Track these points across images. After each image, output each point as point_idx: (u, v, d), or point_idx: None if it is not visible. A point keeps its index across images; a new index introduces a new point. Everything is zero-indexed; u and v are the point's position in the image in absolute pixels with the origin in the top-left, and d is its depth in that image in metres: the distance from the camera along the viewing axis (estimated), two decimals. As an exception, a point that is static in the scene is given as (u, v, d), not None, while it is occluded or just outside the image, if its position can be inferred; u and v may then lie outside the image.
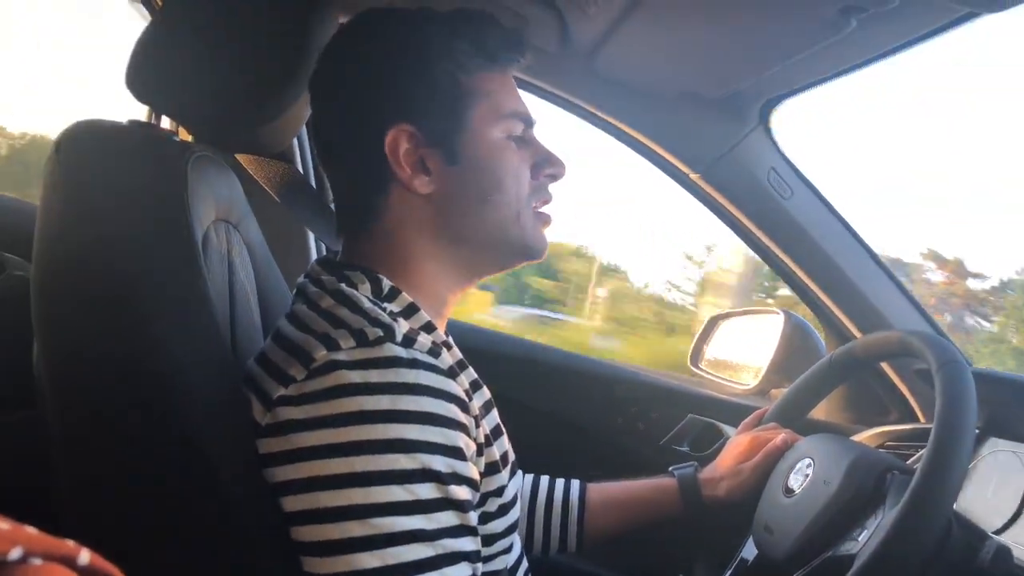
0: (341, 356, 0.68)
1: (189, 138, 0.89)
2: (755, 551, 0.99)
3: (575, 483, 1.09)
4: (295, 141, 1.46)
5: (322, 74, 0.81)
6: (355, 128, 0.78)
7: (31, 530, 0.28)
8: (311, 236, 1.50)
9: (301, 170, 1.48)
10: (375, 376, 0.67)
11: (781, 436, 1.06)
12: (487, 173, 0.80)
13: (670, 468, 1.11)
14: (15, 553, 0.27)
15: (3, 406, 1.06)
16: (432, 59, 0.77)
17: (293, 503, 0.67)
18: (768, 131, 1.32)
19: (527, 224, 0.82)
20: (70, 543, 0.29)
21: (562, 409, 1.52)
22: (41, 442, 0.73)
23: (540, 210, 0.85)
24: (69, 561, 0.29)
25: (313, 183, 1.51)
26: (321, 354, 0.68)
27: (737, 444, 1.10)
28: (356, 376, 0.67)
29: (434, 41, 0.78)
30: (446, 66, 0.78)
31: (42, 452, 0.73)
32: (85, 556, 0.30)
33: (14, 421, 1.05)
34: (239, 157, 1.02)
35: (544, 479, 1.10)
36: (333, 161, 0.83)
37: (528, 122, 0.83)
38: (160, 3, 1.31)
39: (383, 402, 0.66)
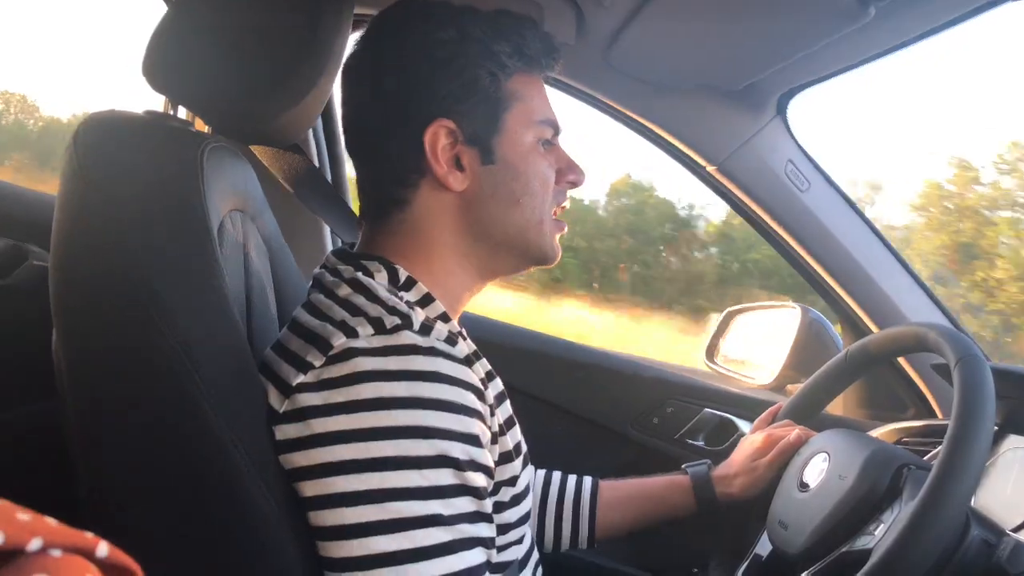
0: (359, 343, 0.69)
1: (205, 128, 0.89)
2: (770, 546, 0.98)
3: (587, 480, 1.09)
4: (310, 133, 1.47)
5: (362, 61, 0.81)
6: (395, 119, 0.79)
7: (50, 521, 0.29)
8: (326, 227, 1.50)
9: (316, 162, 1.48)
10: (393, 363, 0.68)
11: (795, 432, 1.06)
12: (519, 176, 0.81)
13: (683, 465, 1.10)
14: (34, 544, 0.27)
15: (24, 396, 1.08)
16: (477, 58, 0.78)
17: (310, 488, 0.67)
18: (785, 123, 1.31)
19: (547, 231, 0.83)
20: (88, 535, 0.30)
21: (575, 402, 1.51)
22: (62, 431, 0.74)
23: (557, 217, 0.86)
24: (87, 553, 0.29)
25: (328, 176, 1.51)
26: (339, 341, 0.69)
27: (751, 441, 1.09)
28: (374, 363, 0.67)
29: (479, 40, 0.78)
30: (489, 66, 0.78)
31: (63, 441, 0.74)
32: (104, 548, 0.30)
33: (35, 411, 1.06)
34: (254, 149, 1.03)
35: (556, 475, 1.10)
36: (365, 149, 0.83)
37: (557, 129, 0.84)
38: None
39: (401, 389, 0.67)
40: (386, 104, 0.79)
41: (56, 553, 0.28)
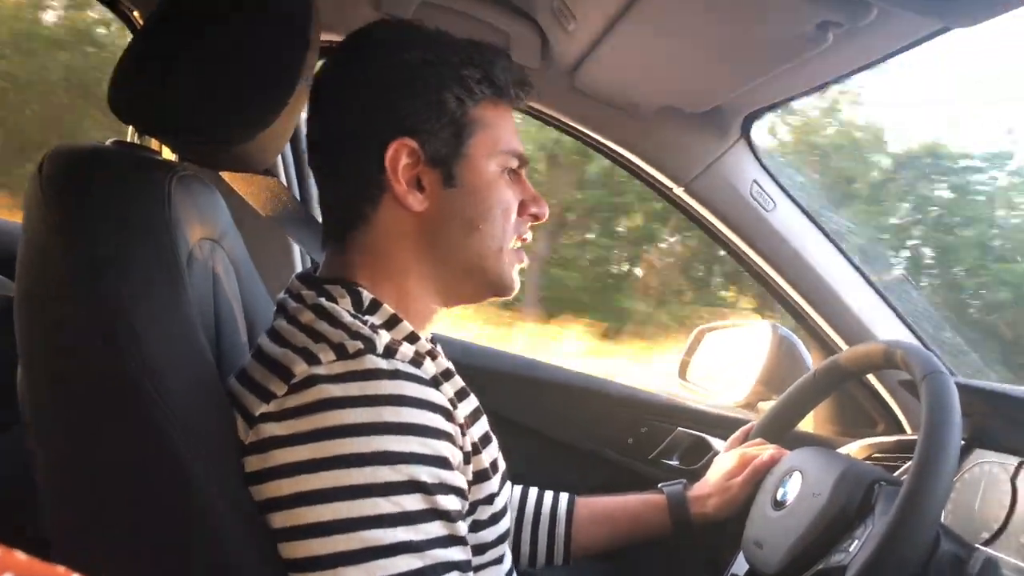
0: (321, 370, 0.68)
1: (173, 157, 0.88)
2: (746, 566, 0.99)
3: (563, 496, 1.09)
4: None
5: (329, 79, 0.82)
6: (357, 135, 0.79)
7: (21, 556, 0.28)
8: (296, 251, 1.49)
9: (285, 182, 1.47)
10: (355, 389, 0.67)
11: (768, 452, 1.06)
12: (480, 202, 0.80)
13: (659, 485, 1.11)
14: None
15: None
16: (445, 80, 0.78)
17: (279, 520, 0.66)
18: (750, 144, 1.34)
19: (505, 260, 0.83)
20: (60, 569, 0.29)
21: (550, 424, 1.51)
22: (27, 462, 0.72)
23: (517, 248, 0.86)
24: None
25: (297, 195, 1.51)
26: (301, 369, 0.68)
27: (725, 461, 1.10)
28: (337, 390, 0.67)
29: (449, 63, 0.79)
30: (457, 91, 0.78)
31: (27, 472, 0.72)
32: None
33: (2, 440, 1.03)
34: (223, 174, 1.02)
35: (533, 491, 1.10)
36: (329, 165, 0.83)
37: (523, 161, 0.85)
38: (141, 23, 1.31)
39: (365, 415, 0.66)
40: (351, 120, 0.79)
41: None
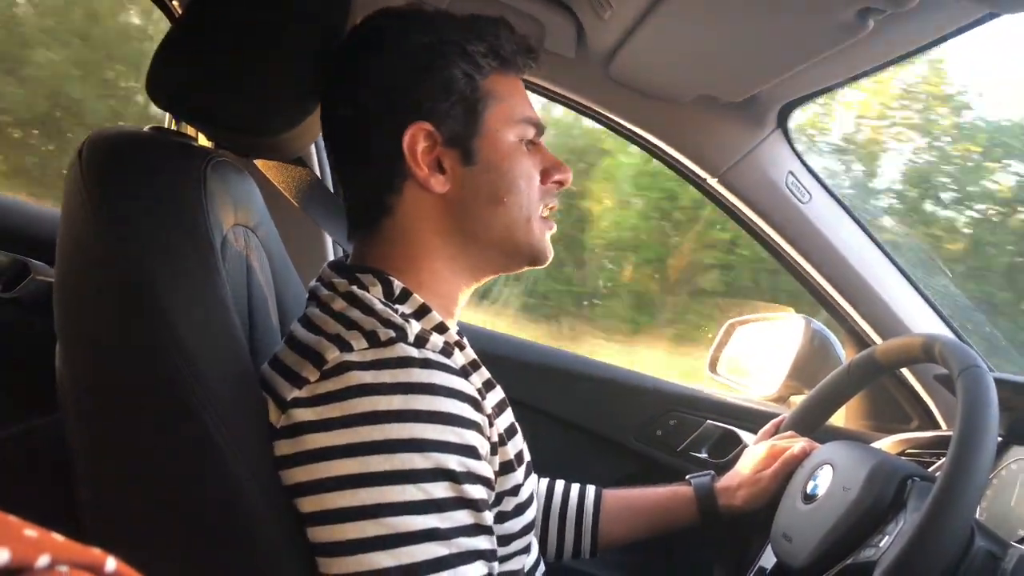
0: (353, 357, 0.69)
1: (209, 144, 0.90)
2: (774, 559, 0.98)
3: (590, 488, 1.09)
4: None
5: (338, 72, 0.82)
6: (373, 126, 0.79)
7: (58, 537, 0.28)
8: (328, 239, 1.51)
9: (318, 172, 1.49)
10: (388, 376, 0.68)
11: (799, 445, 1.05)
12: (502, 175, 0.80)
13: (687, 476, 1.10)
14: (42, 561, 0.27)
15: (29, 410, 1.08)
16: (451, 59, 0.78)
17: (308, 504, 0.67)
18: (787, 135, 1.32)
19: (535, 229, 0.83)
20: (96, 551, 0.29)
21: (577, 414, 1.51)
22: (66, 445, 0.74)
23: (545, 216, 0.85)
24: (96, 569, 0.29)
25: (330, 186, 1.52)
26: (333, 355, 0.69)
27: (755, 454, 1.09)
28: (369, 376, 0.67)
29: (452, 42, 0.78)
30: (464, 67, 0.78)
31: (66, 455, 0.74)
32: (112, 564, 0.30)
33: (41, 425, 1.06)
34: (257, 162, 1.03)
35: (559, 483, 1.10)
36: (347, 158, 0.83)
37: (539, 128, 0.84)
38: (180, 10, 1.33)
39: (396, 402, 0.67)
40: (365, 110, 0.79)
41: (64, 569, 0.28)
